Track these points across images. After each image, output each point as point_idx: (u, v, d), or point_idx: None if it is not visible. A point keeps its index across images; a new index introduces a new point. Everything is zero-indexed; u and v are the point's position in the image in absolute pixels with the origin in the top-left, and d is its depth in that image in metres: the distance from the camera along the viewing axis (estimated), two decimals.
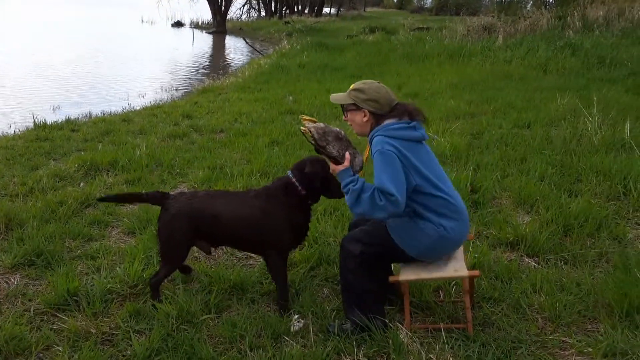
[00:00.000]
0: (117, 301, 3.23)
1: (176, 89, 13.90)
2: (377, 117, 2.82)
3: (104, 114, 9.37)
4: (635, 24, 16.01)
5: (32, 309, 3.12)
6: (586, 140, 6.14)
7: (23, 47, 20.88)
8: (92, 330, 2.90)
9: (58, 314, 3.06)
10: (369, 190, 2.63)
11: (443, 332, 2.86)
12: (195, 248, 3.30)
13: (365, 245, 2.87)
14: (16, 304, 3.19)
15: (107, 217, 4.47)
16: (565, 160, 5.60)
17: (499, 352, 2.75)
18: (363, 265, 2.88)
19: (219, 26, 36.91)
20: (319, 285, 3.45)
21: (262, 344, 2.82)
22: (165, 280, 3.33)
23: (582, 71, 11.51)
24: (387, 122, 2.79)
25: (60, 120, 8.30)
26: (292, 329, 2.95)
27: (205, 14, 40.55)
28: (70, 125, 7.88)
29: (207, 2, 37.88)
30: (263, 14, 51.92)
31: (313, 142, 2.75)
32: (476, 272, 2.91)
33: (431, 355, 2.67)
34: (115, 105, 10.76)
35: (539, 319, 3.08)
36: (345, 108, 2.90)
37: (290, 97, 10.12)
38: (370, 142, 2.83)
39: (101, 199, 3.61)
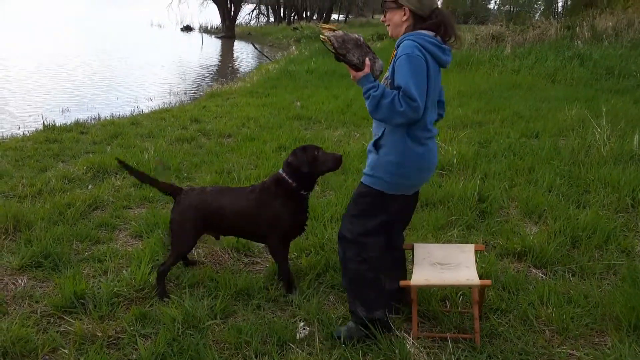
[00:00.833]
0: (124, 304, 3.23)
1: (185, 93, 13.95)
2: (416, 20, 2.78)
3: (112, 117, 9.41)
4: None
5: (38, 311, 3.13)
6: (595, 152, 6.11)
7: (32, 47, 21.01)
8: (98, 334, 2.90)
9: (65, 317, 3.07)
10: (389, 96, 2.63)
11: (450, 342, 2.85)
12: (201, 251, 3.31)
13: (356, 224, 2.90)
14: (23, 306, 3.20)
15: (115, 220, 4.49)
16: (574, 171, 5.58)
17: None
18: (362, 251, 2.89)
19: (227, 31, 37.04)
20: (325, 293, 3.44)
21: (267, 351, 2.82)
22: (171, 283, 3.34)
23: (591, 82, 11.48)
24: (422, 31, 2.75)
25: (69, 123, 8.34)
26: (297, 336, 2.95)
27: (214, 19, 40.72)
28: (79, 127, 7.92)
29: (216, 7, 38.06)
30: (272, 19, 52.14)
31: (333, 50, 2.74)
32: (488, 282, 2.90)
33: None
34: (124, 109, 10.80)
35: (547, 331, 3.06)
36: (385, 7, 2.85)
37: (298, 103, 10.14)
38: (397, 46, 2.77)
39: (122, 164, 3.61)
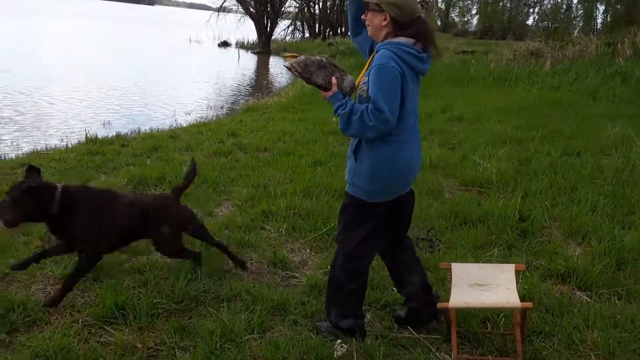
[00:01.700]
0: (163, 316, 3.26)
1: (221, 107, 14.16)
2: (395, 27, 2.77)
3: (152, 130, 9.60)
4: None
5: (80, 321, 3.18)
6: (639, 171, 5.93)
7: (75, 64, 21.68)
8: (138, 345, 2.93)
9: (105, 327, 3.11)
10: (358, 111, 2.65)
11: None
12: None
13: (344, 235, 2.98)
14: (65, 315, 3.25)
15: None
16: (618, 190, 5.42)
17: None
18: (349, 262, 2.98)
19: (263, 46, 37.59)
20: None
21: None
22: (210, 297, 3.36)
23: (634, 99, 11.20)
24: (400, 39, 2.75)
25: (110, 135, 8.55)
26: (335, 354, 2.92)
27: (251, 35, 41.36)
28: (120, 140, 8.10)
29: (253, 23, 38.71)
30: (307, 35, 52.62)
31: (297, 75, 2.79)
32: (529, 304, 2.83)
33: None
34: (163, 122, 11.02)
35: (592, 355, 2.96)
36: (368, 7, 2.85)
37: (334, 119, 10.15)
38: (376, 51, 2.78)
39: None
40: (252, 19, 38.75)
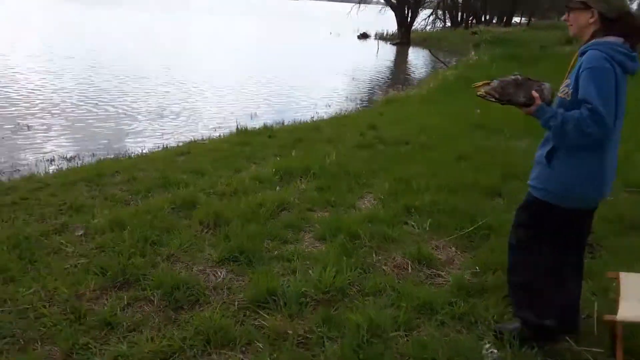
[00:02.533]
0: (311, 305, 3.35)
1: (360, 100, 14.29)
2: (604, 24, 2.57)
3: (295, 122, 9.95)
4: None
5: (236, 303, 3.37)
6: None
7: (228, 62, 23.15)
8: (289, 331, 3.04)
9: (259, 311, 3.27)
10: (572, 119, 2.47)
11: None
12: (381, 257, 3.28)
13: (522, 233, 2.87)
14: (222, 296, 3.47)
15: (301, 221, 4.69)
16: None
17: None
18: (529, 258, 2.85)
19: (403, 37, 37.27)
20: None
21: None
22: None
23: None
24: (610, 38, 2.54)
25: (258, 127, 9.00)
26: None
27: (390, 26, 41.19)
28: (267, 131, 8.50)
29: (393, 14, 38.50)
30: (448, 24, 51.18)
31: (496, 101, 2.67)
32: None
33: None
34: (305, 114, 11.39)
35: None
36: (569, 5, 2.66)
37: (478, 110, 9.77)
38: (582, 53, 2.59)
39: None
40: (393, 9, 38.52)
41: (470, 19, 50.17)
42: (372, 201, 5.35)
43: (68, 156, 8.13)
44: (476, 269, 3.77)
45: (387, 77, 20.64)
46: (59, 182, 5.75)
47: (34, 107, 11.29)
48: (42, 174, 6.55)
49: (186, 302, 3.35)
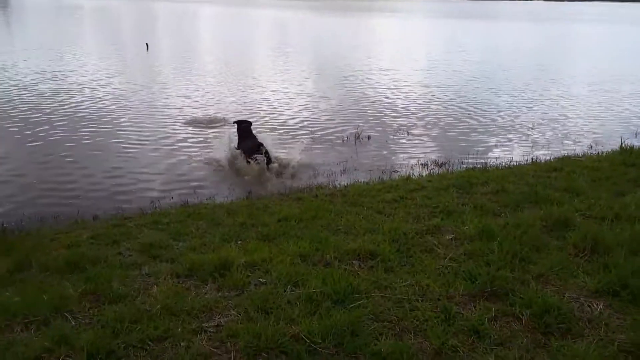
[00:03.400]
0: None
1: None
2: None
3: None
4: None
5: (615, 344, 2.98)
6: None
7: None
8: None
9: None
10: None
11: None
12: None
13: None
14: (599, 331, 3.11)
15: None
16: None
17: None
18: None
19: None
20: None
21: None
22: None
23: None
24: None
25: None
26: None
27: None
28: None
29: None
30: None
31: None
32: None
33: None
34: None
35: None
36: None
37: None
38: None
39: None
40: None
41: None
42: None
43: (440, 162, 8.62)
44: None
45: None
46: (432, 186, 6.14)
47: (414, 114, 12.40)
48: (416, 176, 7.12)
49: (556, 328, 3.11)
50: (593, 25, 50.07)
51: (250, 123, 9.17)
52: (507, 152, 9.39)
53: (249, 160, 8.12)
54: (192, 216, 5.41)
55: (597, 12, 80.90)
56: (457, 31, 40.73)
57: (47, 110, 11.70)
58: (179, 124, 11.03)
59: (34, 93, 13.49)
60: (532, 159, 8.39)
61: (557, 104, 13.71)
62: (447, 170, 7.93)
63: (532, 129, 11.08)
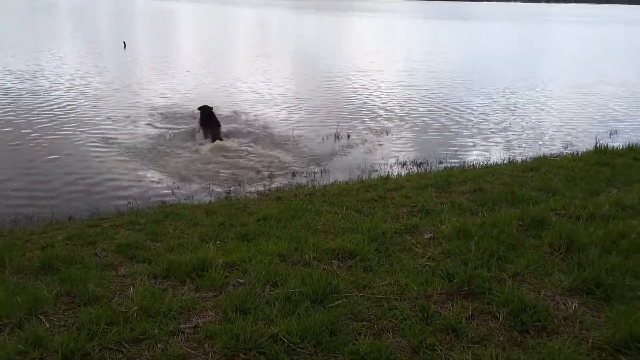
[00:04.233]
0: None
1: None
2: None
3: None
4: None
5: (590, 341, 3.02)
6: None
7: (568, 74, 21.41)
8: None
9: (619, 355, 2.85)
10: None
11: None
12: None
13: None
14: (574, 329, 3.16)
15: None
16: None
17: None
18: None
19: None
20: None
21: None
22: None
23: None
24: None
25: (621, 146, 8.00)
26: None
27: None
28: (633, 153, 7.48)
29: None
30: None
31: None
32: None
33: None
34: None
35: None
36: None
37: None
38: None
39: None
40: None
41: None
42: None
43: (418, 162, 8.68)
44: None
45: None
46: (411, 186, 6.17)
47: (393, 115, 12.46)
48: (395, 176, 7.16)
49: (532, 326, 3.15)
50: (571, 26, 50.87)
51: (211, 108, 10.55)
52: (485, 152, 9.50)
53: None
54: (170, 216, 5.36)
55: (576, 14, 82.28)
56: (437, 32, 41.07)
57: (21, 111, 11.50)
58: (156, 123, 10.93)
59: (9, 94, 13.24)
60: (509, 158, 8.50)
61: (534, 105, 13.91)
62: (426, 169, 7.99)
63: (509, 129, 11.22)
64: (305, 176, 7.80)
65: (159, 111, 11.91)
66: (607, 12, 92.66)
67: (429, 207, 5.27)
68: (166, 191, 7.16)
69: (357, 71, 19.46)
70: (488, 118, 12.27)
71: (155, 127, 10.60)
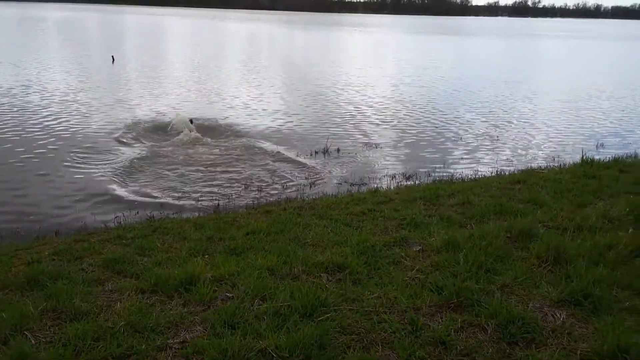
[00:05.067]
0: None
1: None
2: None
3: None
4: None
5: (578, 352, 3.03)
6: None
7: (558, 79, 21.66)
8: None
9: None
10: None
11: None
12: None
13: None
14: (562, 340, 3.17)
15: None
16: None
17: None
18: None
19: None
20: None
21: None
22: None
23: None
24: None
25: (607, 159, 8.09)
26: None
27: None
28: (619, 165, 7.56)
29: None
30: None
31: None
32: None
33: None
34: None
35: None
36: None
37: None
38: None
39: None
40: None
41: None
42: None
43: (407, 175, 8.71)
44: None
45: None
46: (400, 199, 6.19)
47: (383, 128, 12.53)
48: (384, 189, 7.18)
49: (521, 338, 3.16)
50: (557, 40, 51.57)
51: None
52: (473, 165, 9.56)
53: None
54: (158, 230, 5.32)
55: (563, 29, 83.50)
56: (427, 46, 41.46)
57: (6, 125, 11.43)
58: (143, 138, 10.90)
59: None
60: (496, 171, 8.55)
61: (522, 119, 14.05)
62: (415, 182, 8.02)
63: (497, 142, 11.31)
64: (295, 190, 7.80)
65: (146, 125, 11.90)
66: (593, 27, 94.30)
67: (417, 219, 5.28)
68: (154, 205, 7.12)
69: (347, 85, 19.58)
70: (476, 131, 12.37)
71: (142, 142, 10.57)
